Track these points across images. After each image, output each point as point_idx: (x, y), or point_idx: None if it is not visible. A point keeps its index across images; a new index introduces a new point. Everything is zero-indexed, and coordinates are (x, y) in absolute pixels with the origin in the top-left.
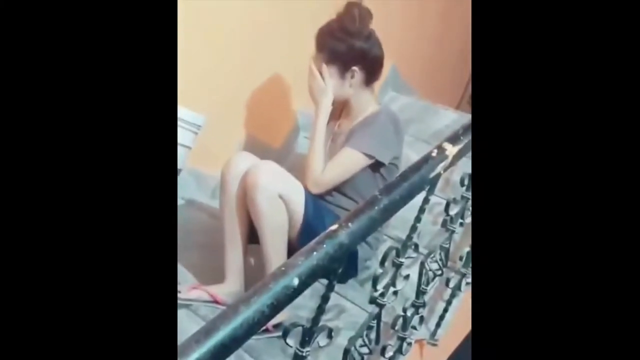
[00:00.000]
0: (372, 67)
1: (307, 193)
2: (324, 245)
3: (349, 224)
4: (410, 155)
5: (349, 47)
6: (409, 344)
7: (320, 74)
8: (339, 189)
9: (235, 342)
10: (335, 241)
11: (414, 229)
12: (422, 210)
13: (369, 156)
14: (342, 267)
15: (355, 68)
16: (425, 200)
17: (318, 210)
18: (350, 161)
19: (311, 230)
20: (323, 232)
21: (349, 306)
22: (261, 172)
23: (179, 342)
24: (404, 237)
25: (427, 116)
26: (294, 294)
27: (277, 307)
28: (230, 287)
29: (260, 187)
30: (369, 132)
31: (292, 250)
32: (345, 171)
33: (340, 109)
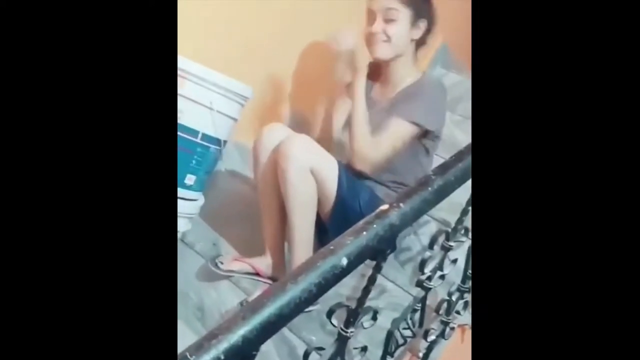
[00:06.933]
0: (429, 32)
1: (342, 169)
2: (374, 226)
3: (400, 205)
4: (458, 134)
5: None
6: (452, 328)
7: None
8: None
9: (281, 319)
10: (385, 222)
11: (465, 212)
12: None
13: (418, 125)
14: (390, 248)
15: (425, 20)
16: None
17: (352, 187)
18: (400, 134)
19: (344, 208)
20: (357, 209)
21: (390, 287)
22: (294, 143)
23: (221, 315)
24: (447, 218)
25: None
26: (341, 273)
27: (324, 286)
28: (269, 259)
29: (291, 158)
30: (416, 100)
31: (322, 227)
32: (396, 144)
33: (378, 72)
